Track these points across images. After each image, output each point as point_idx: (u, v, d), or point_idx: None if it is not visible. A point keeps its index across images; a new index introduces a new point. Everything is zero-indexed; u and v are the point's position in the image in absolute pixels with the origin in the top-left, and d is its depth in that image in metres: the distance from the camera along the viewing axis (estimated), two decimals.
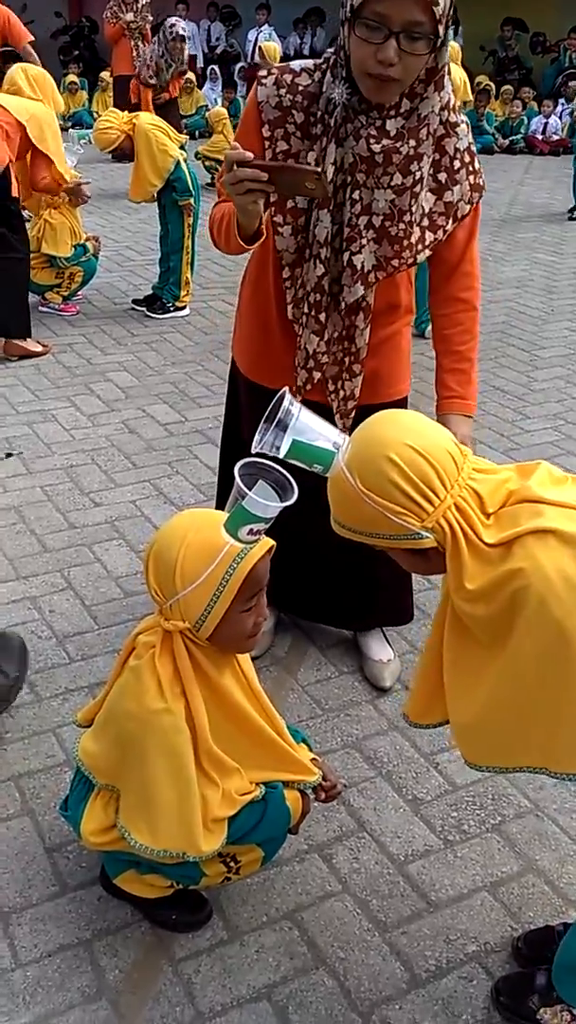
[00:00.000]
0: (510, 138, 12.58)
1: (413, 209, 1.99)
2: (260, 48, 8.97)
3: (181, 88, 9.67)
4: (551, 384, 4.82)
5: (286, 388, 1.34)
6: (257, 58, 9.14)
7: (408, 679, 2.58)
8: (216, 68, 13.74)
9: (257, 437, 1.34)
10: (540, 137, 12.71)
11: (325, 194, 1.83)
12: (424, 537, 1.29)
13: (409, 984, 1.78)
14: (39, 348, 4.88)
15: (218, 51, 15.91)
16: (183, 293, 5.60)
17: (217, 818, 1.65)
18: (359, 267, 2.02)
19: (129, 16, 9.95)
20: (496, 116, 12.82)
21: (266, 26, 14.27)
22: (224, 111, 9.51)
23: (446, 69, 1.87)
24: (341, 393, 2.19)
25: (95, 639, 2.70)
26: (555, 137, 12.65)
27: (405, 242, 2.01)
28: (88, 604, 2.86)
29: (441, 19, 1.74)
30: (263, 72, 2.00)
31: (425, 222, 2.02)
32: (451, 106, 1.95)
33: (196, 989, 1.76)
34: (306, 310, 2.09)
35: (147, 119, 5.32)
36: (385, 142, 1.90)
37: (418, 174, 1.96)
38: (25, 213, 4.92)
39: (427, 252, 2.06)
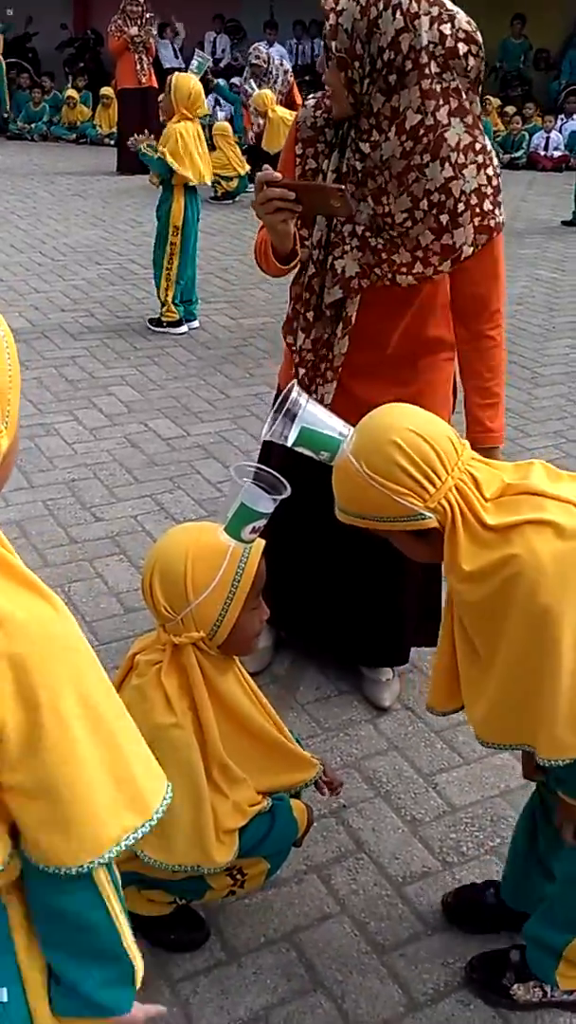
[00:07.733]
0: (511, 154, 12.61)
1: (408, 228, 2.00)
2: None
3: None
4: (552, 402, 4.83)
5: (295, 380, 1.40)
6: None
7: (407, 699, 2.59)
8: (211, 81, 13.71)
9: (267, 427, 1.42)
10: (543, 153, 12.77)
11: (349, 211, 1.90)
12: (427, 517, 1.36)
13: (407, 1007, 1.78)
14: None
15: (223, 64, 15.96)
16: (163, 309, 5.56)
17: (228, 829, 1.66)
18: (340, 271, 2.08)
19: (134, 30, 10.01)
20: (496, 130, 12.85)
21: (276, 44, 14.27)
22: (227, 125, 9.51)
23: (407, 113, 1.89)
24: (314, 396, 2.22)
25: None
26: (557, 153, 12.71)
27: (385, 256, 2.05)
28: (88, 620, 2.86)
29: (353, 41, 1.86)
30: (311, 100, 2.11)
31: (419, 253, 2.03)
32: (460, 147, 1.95)
33: (194, 1011, 1.76)
34: (300, 308, 2.19)
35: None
36: (367, 162, 1.98)
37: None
38: None
39: (410, 279, 2.06)
